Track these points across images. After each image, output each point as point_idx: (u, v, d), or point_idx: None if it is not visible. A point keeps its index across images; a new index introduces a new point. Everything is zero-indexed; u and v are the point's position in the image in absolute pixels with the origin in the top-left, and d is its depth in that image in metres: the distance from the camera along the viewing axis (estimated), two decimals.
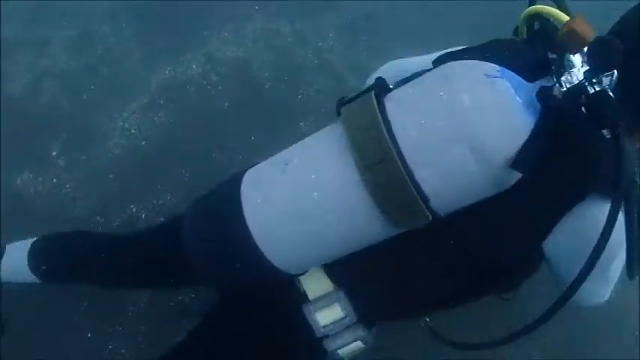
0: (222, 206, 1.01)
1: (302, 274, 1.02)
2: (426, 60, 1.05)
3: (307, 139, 0.99)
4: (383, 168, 0.82)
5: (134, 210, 1.74)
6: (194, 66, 2.04)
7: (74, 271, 1.37)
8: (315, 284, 1.01)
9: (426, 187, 0.82)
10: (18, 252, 1.39)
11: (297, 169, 0.93)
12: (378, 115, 0.84)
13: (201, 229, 1.04)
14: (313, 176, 0.89)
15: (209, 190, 1.11)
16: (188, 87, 2.01)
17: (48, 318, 1.56)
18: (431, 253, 0.95)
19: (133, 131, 1.89)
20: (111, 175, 1.79)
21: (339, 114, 0.92)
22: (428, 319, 1.25)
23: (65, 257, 1.37)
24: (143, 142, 1.88)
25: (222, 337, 1.13)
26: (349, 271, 0.99)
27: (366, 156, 0.83)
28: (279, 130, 1.98)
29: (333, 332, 1.01)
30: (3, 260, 1.40)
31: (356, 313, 1.00)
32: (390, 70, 1.19)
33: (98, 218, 1.70)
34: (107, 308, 1.60)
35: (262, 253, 0.94)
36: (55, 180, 1.76)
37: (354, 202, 0.86)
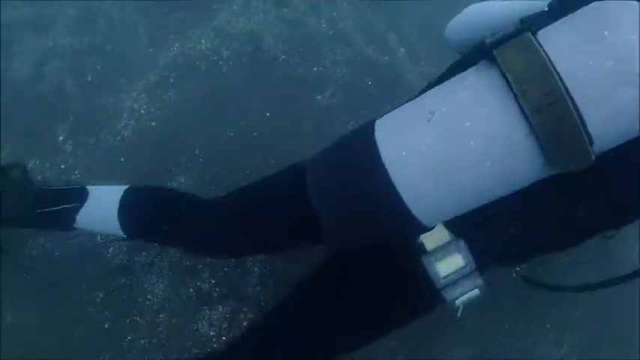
0: (356, 160, 0.97)
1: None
2: (512, 5, 1.04)
3: (447, 87, 0.94)
4: (553, 110, 0.80)
5: None
6: (203, 41, 1.93)
7: (174, 229, 1.26)
8: (433, 235, 1.01)
9: (592, 129, 0.82)
10: (106, 199, 1.30)
11: (446, 118, 0.89)
12: (544, 56, 0.82)
13: (333, 185, 1.00)
14: (468, 124, 0.86)
15: (331, 145, 1.06)
16: (198, 63, 1.90)
17: (61, 311, 1.49)
18: (570, 196, 0.93)
19: (142, 112, 1.79)
20: (122, 159, 1.70)
21: (486, 58, 0.88)
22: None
23: (165, 212, 1.28)
24: (153, 123, 1.78)
25: (337, 295, 1.11)
26: (468, 220, 0.97)
27: (534, 99, 0.81)
28: (295, 104, 1.87)
29: (452, 282, 1.01)
30: (86, 204, 1.28)
31: (475, 262, 1.00)
32: (476, 12, 1.17)
33: None
34: (123, 299, 1.52)
35: (408, 208, 0.91)
36: (63, 166, 1.66)
37: (517, 147, 0.84)
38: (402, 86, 2.00)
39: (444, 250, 1.00)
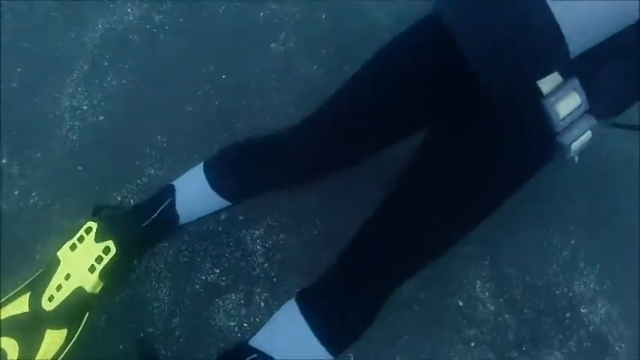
0: None
1: None
2: None
3: None
4: None
5: (119, 198, 1.50)
6: (129, 10, 1.70)
7: (270, 165, 1.27)
8: (547, 79, 0.99)
9: None
10: (192, 180, 1.32)
11: None
12: None
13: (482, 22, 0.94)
14: None
15: None
16: (130, 37, 1.68)
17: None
18: None
19: (84, 107, 1.59)
20: (79, 167, 1.52)
21: None
22: None
23: (253, 158, 1.30)
24: (101, 117, 1.58)
25: (458, 153, 1.08)
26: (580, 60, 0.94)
27: None
28: (248, 59, 1.70)
29: (568, 124, 1.01)
30: (178, 196, 1.31)
31: (588, 101, 0.99)
32: None
33: (82, 220, 1.45)
34: (128, 316, 1.41)
35: (562, 36, 0.87)
36: (17, 192, 1.48)
37: None
38: (359, 15, 1.83)
39: (559, 90, 0.98)
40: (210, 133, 1.58)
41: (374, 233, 1.15)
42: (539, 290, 1.59)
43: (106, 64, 1.64)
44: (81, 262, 1.26)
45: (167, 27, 1.69)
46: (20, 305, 1.25)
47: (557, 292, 1.60)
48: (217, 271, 1.47)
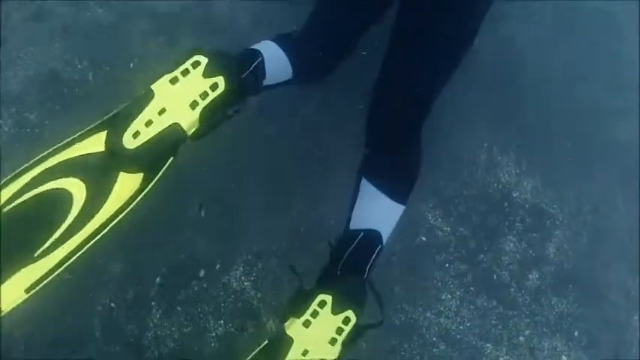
0: None
1: None
2: None
3: None
4: None
5: None
6: None
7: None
8: None
9: None
10: (269, 48, 1.35)
11: None
12: None
13: None
14: None
15: None
16: None
17: None
18: None
19: None
20: None
21: None
22: None
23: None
24: None
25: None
26: None
27: None
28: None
29: None
30: (265, 56, 1.30)
31: None
32: None
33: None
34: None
35: None
36: None
37: None
38: None
39: None
40: None
41: (386, 90, 1.43)
42: (476, 196, 1.86)
43: None
44: (182, 96, 1.12)
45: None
46: (94, 144, 1.11)
47: (489, 190, 1.88)
48: (222, 322, 1.60)
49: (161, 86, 1.12)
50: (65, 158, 1.09)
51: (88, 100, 1.71)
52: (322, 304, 1.21)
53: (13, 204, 1.04)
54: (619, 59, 2.17)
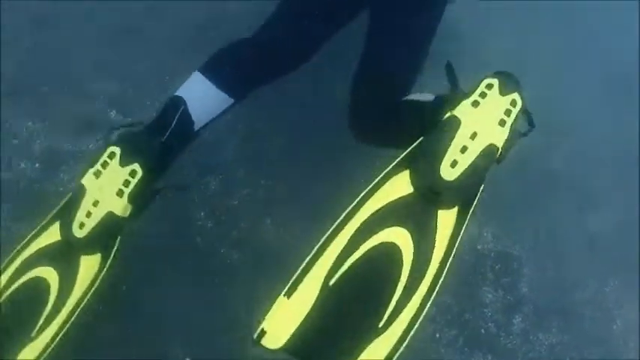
0: None
1: None
2: None
3: None
4: None
5: None
6: None
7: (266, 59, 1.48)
8: None
9: None
10: (195, 86, 1.41)
11: None
12: None
13: None
14: None
15: None
16: None
17: None
18: None
19: None
20: None
21: None
22: None
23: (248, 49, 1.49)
24: None
25: None
26: None
27: None
28: None
29: None
30: (188, 102, 1.37)
31: None
32: None
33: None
34: None
35: None
36: None
37: None
38: None
39: None
40: None
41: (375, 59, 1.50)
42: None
43: None
44: (107, 187, 1.25)
45: None
46: (52, 235, 1.29)
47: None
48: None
49: (89, 180, 1.26)
50: (37, 248, 1.29)
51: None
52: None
53: (7, 293, 1.25)
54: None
